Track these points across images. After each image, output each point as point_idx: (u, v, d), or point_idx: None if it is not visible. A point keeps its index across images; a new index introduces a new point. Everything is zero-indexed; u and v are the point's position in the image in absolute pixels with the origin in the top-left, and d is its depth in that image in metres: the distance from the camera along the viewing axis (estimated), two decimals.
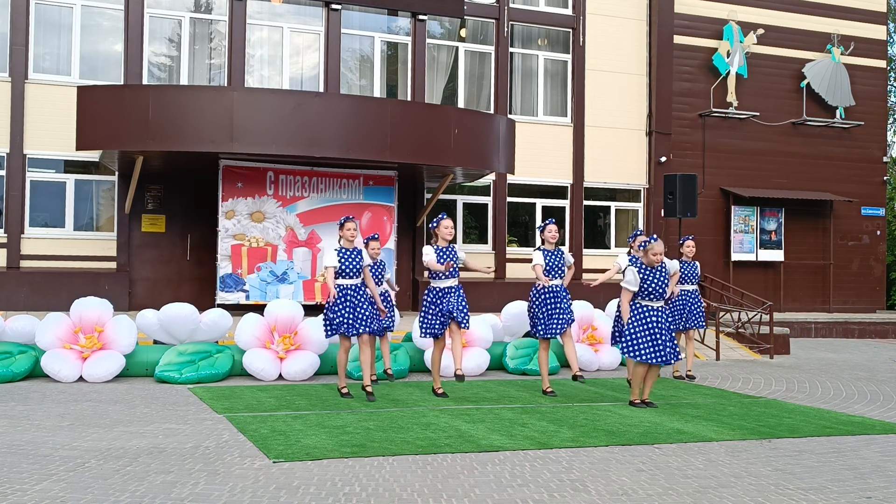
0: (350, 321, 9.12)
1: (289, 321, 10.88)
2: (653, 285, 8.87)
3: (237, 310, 13.55)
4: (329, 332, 9.31)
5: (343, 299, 9.18)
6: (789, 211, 21.63)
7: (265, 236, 15.12)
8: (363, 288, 9.29)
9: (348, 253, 9.22)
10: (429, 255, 9.29)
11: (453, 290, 9.33)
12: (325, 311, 9.34)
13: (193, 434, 7.17)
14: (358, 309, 9.17)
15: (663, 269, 8.99)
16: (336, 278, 9.20)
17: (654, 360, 8.81)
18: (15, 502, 5.06)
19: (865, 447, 7.27)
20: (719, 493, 5.63)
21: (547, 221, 9.95)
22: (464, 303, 9.37)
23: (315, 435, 7.12)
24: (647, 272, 8.90)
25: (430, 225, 9.47)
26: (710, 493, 5.63)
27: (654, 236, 9.21)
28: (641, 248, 9.14)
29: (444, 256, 9.27)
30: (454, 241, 9.58)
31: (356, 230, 9.33)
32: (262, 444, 6.76)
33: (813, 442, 7.46)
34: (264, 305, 11.70)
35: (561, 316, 9.70)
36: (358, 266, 9.22)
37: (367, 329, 9.17)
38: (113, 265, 16.22)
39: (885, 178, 22.97)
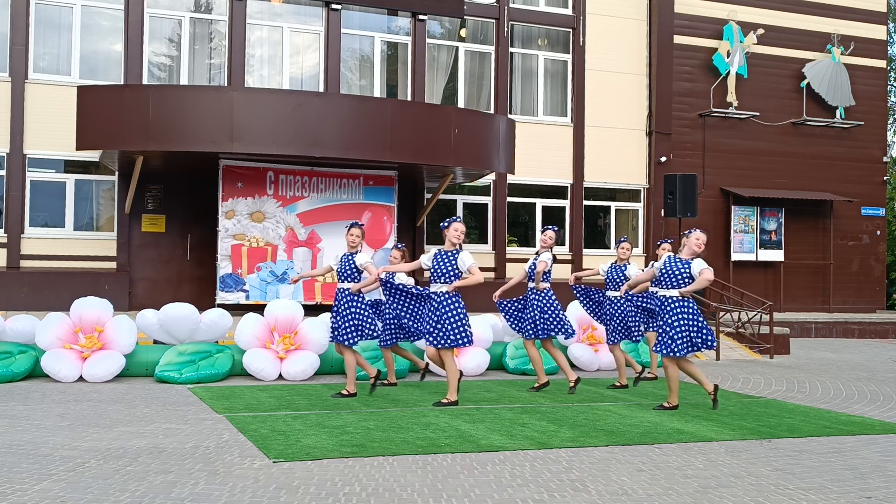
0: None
1: (289, 321, 10.89)
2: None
3: (237, 310, 13.55)
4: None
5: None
6: (789, 211, 21.63)
7: (265, 236, 15.12)
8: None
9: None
10: (424, 259, 9.18)
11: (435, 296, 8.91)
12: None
13: (193, 434, 7.17)
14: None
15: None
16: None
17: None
18: (15, 502, 5.06)
19: (865, 447, 7.27)
20: (719, 493, 5.63)
21: (545, 228, 10.06)
22: (437, 316, 8.82)
23: (315, 435, 7.12)
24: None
25: (441, 225, 9.17)
26: (710, 493, 5.63)
27: (693, 229, 9.18)
28: (686, 235, 9.07)
29: (439, 261, 8.90)
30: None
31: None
32: (262, 444, 6.76)
33: (813, 442, 7.46)
34: (264, 305, 11.70)
35: (527, 320, 9.93)
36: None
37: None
38: (113, 265, 16.22)
39: (885, 178, 22.97)
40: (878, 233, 22.80)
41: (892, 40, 29.01)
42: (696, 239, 8.84)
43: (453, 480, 5.79)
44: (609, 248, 19.95)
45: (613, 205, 20.23)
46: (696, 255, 8.85)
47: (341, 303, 9.27)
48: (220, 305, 14.45)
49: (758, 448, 7.13)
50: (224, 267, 14.89)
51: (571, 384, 10.01)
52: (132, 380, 10.35)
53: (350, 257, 9.32)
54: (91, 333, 10.36)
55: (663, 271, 8.88)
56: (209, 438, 6.99)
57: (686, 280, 8.74)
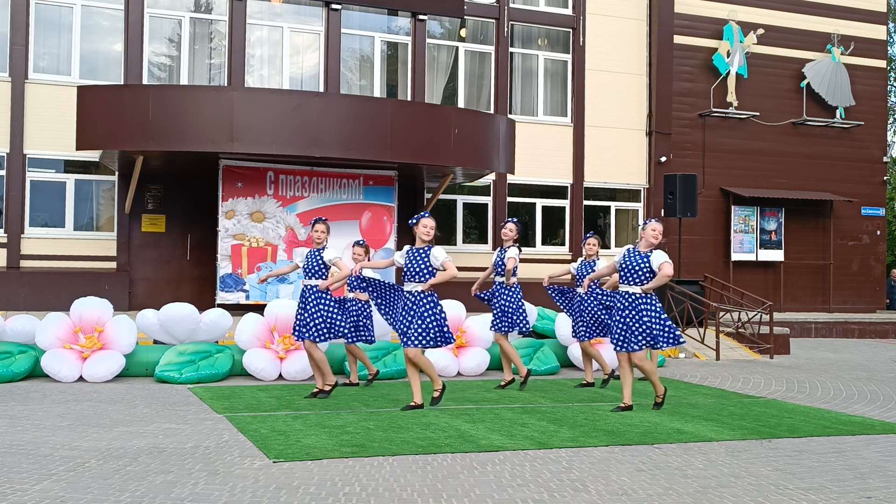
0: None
1: (289, 321, 10.86)
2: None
3: (237, 310, 13.55)
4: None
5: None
6: (789, 211, 21.63)
7: (265, 236, 15.12)
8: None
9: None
10: (397, 256, 8.77)
11: (407, 294, 8.49)
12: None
13: (193, 434, 7.17)
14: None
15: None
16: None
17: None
18: (15, 502, 5.06)
19: (865, 447, 7.27)
20: (719, 493, 5.63)
21: (505, 221, 10.36)
22: (408, 316, 8.41)
23: (315, 435, 7.12)
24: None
25: (410, 222, 8.68)
26: (710, 493, 5.63)
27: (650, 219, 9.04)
28: (641, 227, 8.93)
29: (411, 258, 8.47)
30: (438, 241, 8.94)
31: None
32: (262, 444, 6.75)
33: (813, 442, 7.46)
34: (264, 305, 11.70)
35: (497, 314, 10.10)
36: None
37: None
38: (113, 265, 16.22)
39: (885, 178, 22.98)
40: (878, 233, 22.80)
41: (892, 40, 29.02)
42: (651, 230, 8.60)
43: (453, 480, 5.79)
44: (609, 248, 19.94)
45: (613, 205, 20.23)
46: (654, 247, 8.64)
47: (308, 300, 9.16)
48: (220, 305, 14.45)
49: (758, 448, 7.12)
50: (224, 267, 14.89)
51: (502, 383, 10.20)
52: (132, 380, 10.35)
53: (317, 253, 9.23)
54: (91, 333, 10.36)
55: (623, 266, 8.67)
56: (209, 438, 6.99)
57: (647, 274, 8.52)
